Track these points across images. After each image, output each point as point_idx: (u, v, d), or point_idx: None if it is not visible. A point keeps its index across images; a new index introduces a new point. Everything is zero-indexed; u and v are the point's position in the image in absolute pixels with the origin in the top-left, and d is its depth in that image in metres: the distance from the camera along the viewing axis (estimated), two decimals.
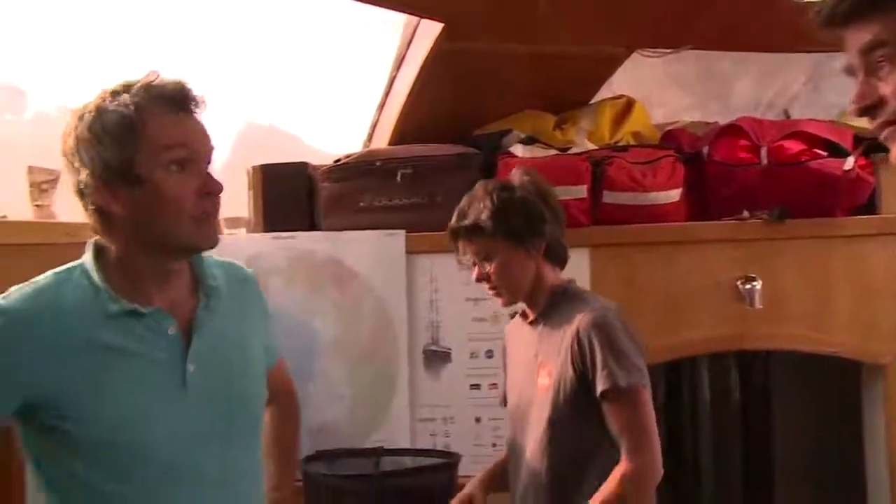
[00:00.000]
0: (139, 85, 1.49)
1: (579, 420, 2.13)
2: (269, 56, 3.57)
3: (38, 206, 2.80)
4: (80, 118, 1.49)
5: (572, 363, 2.13)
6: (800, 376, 3.60)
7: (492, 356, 2.95)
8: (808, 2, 1.13)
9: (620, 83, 3.51)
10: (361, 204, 2.98)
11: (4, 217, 2.54)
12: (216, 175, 1.53)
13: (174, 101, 1.49)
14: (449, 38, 2.86)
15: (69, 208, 2.92)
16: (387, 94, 3.27)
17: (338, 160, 3.06)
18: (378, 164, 2.98)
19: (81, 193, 1.52)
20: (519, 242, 2.20)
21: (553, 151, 3.02)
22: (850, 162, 2.92)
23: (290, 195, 3.04)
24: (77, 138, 1.48)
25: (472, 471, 2.77)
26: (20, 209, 2.73)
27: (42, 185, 2.81)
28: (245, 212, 3.09)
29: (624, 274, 2.98)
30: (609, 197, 2.95)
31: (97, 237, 1.57)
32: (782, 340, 3.01)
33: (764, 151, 2.98)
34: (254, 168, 3.05)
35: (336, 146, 3.50)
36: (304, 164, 3.09)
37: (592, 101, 3.35)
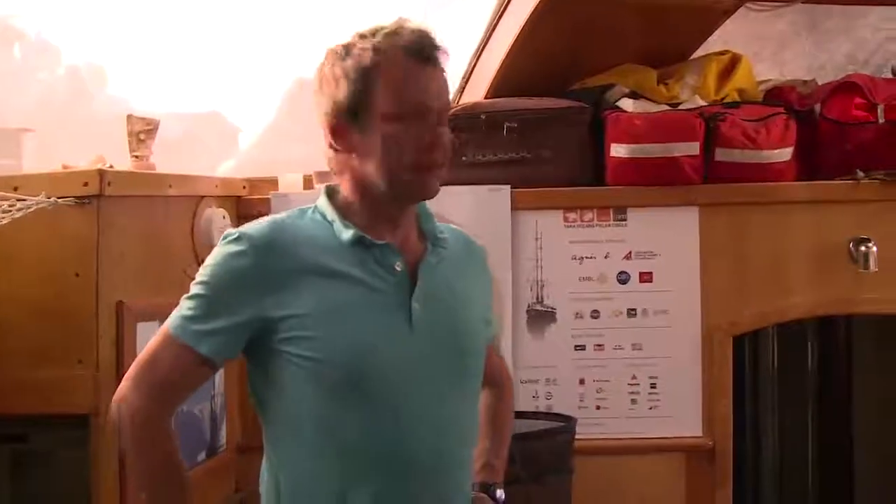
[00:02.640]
0: (385, 31, 1.48)
1: None
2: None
3: (136, 156, 2.71)
4: (328, 58, 1.51)
5: None
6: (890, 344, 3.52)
7: (598, 316, 2.88)
8: None
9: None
10: (464, 158, 2.88)
11: (111, 166, 2.44)
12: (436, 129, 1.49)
13: (416, 50, 1.47)
14: None
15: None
16: (482, 45, 3.16)
17: None
18: (483, 116, 2.88)
19: None
20: None
21: (663, 107, 2.92)
22: None
23: None
24: (321, 77, 1.51)
25: (579, 434, 2.72)
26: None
27: (140, 134, 2.72)
28: None
29: (733, 234, 2.91)
30: (721, 154, 2.86)
31: (329, 183, 1.60)
32: None
33: (881, 109, 2.88)
34: None
35: None
36: None
37: (694, 56, 3.24)
